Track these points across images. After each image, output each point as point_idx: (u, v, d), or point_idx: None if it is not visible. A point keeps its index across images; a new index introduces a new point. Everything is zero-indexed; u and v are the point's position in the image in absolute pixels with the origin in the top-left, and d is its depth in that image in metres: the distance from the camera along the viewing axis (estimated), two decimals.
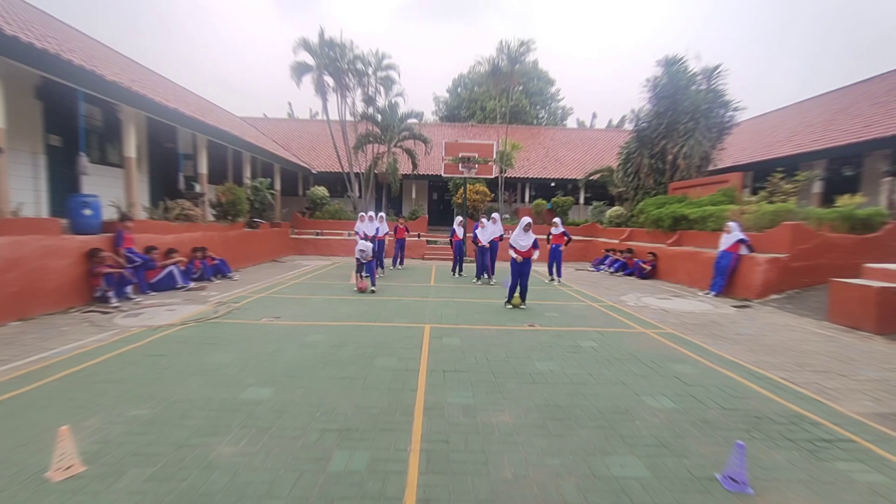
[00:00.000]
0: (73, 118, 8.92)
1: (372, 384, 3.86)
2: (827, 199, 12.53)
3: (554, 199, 20.24)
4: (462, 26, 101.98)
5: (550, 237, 11.11)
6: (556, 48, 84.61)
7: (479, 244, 10.26)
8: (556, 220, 11.23)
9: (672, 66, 14.76)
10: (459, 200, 19.58)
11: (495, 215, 10.31)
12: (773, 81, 77.92)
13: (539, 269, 13.38)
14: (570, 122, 38.25)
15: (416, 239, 17.69)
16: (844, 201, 9.31)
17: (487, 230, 10.20)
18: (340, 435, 2.93)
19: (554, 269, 11.08)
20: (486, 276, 10.40)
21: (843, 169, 14.42)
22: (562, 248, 11.17)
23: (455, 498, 2.31)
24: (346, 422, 3.13)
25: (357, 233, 10.71)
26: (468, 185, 19.04)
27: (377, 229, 10.61)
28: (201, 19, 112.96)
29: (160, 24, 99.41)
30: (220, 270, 10.06)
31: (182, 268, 8.72)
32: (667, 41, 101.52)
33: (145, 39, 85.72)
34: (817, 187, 13.73)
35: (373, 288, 8.69)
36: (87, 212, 7.40)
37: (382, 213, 11.25)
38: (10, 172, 7.23)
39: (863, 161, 13.69)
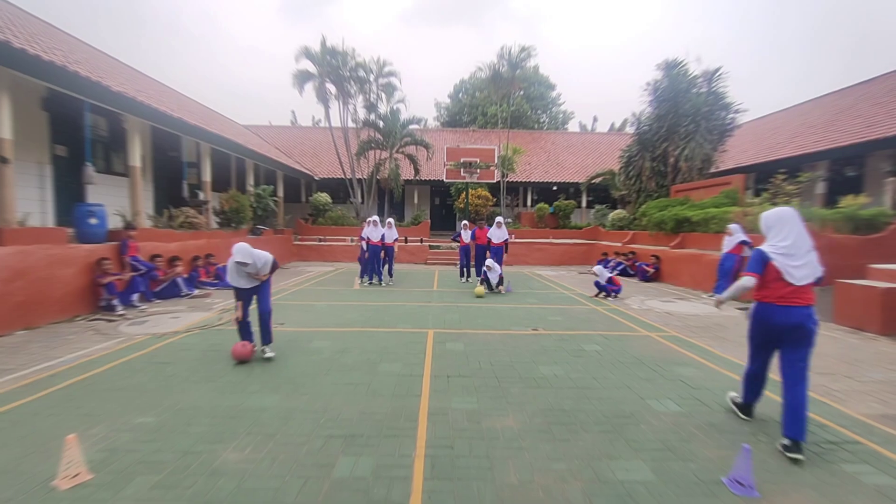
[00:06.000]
0: (79, 129, 9.02)
1: (376, 390, 3.86)
2: (830, 199, 12.46)
3: (556, 203, 20.25)
4: (465, 30, 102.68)
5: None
6: (564, 46, 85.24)
7: (494, 245, 10.23)
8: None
9: (672, 69, 14.80)
10: (461, 205, 19.65)
11: (499, 219, 10.31)
12: (771, 80, 77.95)
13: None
14: (572, 126, 38.35)
15: (419, 244, 17.73)
16: (848, 202, 9.27)
17: (502, 231, 10.23)
18: (345, 441, 2.94)
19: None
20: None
21: (846, 169, 14.36)
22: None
23: None
24: (351, 428, 3.13)
25: (363, 238, 10.70)
26: (470, 190, 19.12)
27: (383, 235, 10.59)
28: (207, 27, 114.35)
29: (165, 33, 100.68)
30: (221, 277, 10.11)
31: (185, 276, 8.77)
32: (673, 39, 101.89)
33: (150, 48, 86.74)
34: (820, 188, 13.68)
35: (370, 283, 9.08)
36: (93, 221, 7.46)
37: (391, 220, 11.22)
38: (17, 183, 7.30)
39: (865, 161, 13.65)
